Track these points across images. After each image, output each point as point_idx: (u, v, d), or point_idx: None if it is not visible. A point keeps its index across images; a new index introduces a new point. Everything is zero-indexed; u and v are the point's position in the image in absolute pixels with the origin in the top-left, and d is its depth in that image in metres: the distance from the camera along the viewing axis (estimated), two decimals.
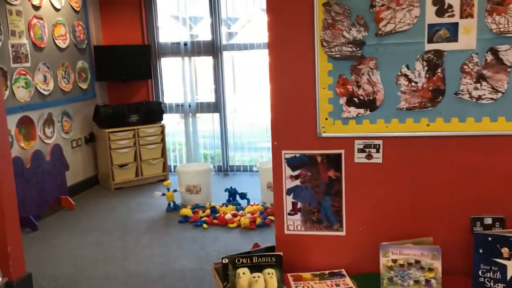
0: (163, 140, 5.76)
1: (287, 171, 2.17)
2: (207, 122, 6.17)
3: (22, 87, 4.45)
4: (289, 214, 2.19)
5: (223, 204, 4.35)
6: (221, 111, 6.00)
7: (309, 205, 2.17)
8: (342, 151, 2.09)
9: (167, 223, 4.13)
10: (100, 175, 5.74)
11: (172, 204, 4.37)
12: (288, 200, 2.18)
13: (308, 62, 2.04)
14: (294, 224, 2.20)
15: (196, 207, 4.31)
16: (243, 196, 4.41)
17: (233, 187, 4.52)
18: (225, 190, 4.52)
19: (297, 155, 2.14)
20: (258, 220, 3.78)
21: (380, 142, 2.04)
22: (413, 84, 1.96)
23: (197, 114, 6.10)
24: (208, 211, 4.09)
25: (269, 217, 3.92)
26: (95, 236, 3.98)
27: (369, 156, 2.06)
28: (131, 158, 5.58)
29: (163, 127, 5.75)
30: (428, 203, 2.04)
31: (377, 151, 2.05)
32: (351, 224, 2.13)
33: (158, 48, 6.05)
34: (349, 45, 1.98)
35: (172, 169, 6.12)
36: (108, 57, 5.73)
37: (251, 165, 5.95)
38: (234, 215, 3.94)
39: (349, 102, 2.03)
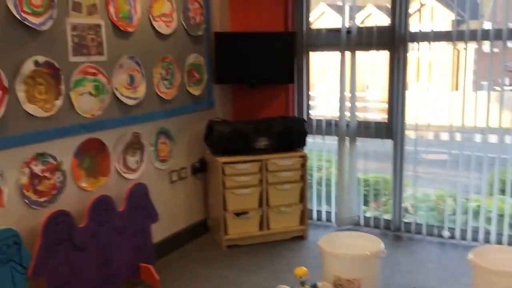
0: (303, 178, 4.02)
1: None
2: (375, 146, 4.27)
3: (89, 93, 3.06)
4: None
5: None
6: (395, 135, 4.05)
7: None
8: None
9: None
10: (210, 222, 4.22)
11: None
12: None
13: None
14: None
15: None
16: None
17: None
18: None
19: None
20: None
21: None
22: None
23: (359, 138, 4.25)
24: None
25: None
26: None
27: None
28: (254, 203, 3.94)
29: (304, 157, 4.00)
30: None
31: None
32: None
33: (308, 37, 4.31)
34: None
35: (310, 218, 4.34)
36: (235, 49, 4.17)
37: None
38: None
39: None
